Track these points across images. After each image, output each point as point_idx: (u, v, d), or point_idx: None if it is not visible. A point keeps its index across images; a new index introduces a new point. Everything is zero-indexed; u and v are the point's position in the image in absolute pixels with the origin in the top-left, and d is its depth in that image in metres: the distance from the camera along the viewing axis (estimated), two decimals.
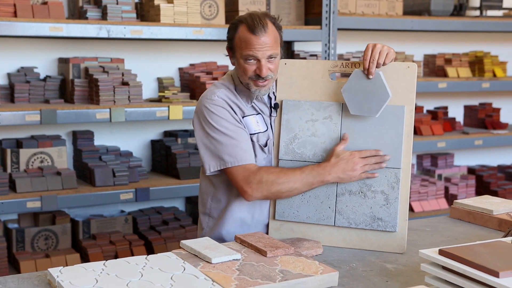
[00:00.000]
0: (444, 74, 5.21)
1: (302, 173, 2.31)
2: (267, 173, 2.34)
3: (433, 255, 1.75)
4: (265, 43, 2.35)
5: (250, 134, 2.47)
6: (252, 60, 2.37)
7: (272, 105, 2.51)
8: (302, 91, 2.40)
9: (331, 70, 2.38)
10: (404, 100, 2.29)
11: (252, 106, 2.51)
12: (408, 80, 2.29)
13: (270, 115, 2.52)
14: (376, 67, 2.26)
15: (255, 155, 2.46)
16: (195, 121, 2.50)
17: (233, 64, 2.49)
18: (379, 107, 2.27)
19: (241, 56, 2.39)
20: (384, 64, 2.27)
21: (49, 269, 1.90)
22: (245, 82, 2.44)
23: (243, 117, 2.48)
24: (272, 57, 2.38)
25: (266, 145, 2.49)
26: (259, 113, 2.52)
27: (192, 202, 4.58)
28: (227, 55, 2.52)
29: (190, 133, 4.41)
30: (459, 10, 5.24)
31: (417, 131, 5.00)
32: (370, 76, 2.26)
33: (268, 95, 2.52)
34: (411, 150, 2.29)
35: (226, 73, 2.60)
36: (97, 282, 1.80)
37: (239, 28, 2.39)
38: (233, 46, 2.43)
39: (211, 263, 1.97)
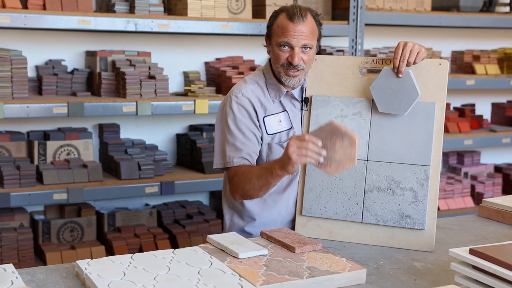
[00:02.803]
0: (472, 71, 5.15)
1: (260, 168, 2.30)
2: (238, 172, 2.38)
3: (464, 254, 1.73)
4: (302, 31, 2.35)
5: (269, 135, 2.48)
6: (286, 47, 2.38)
7: (303, 99, 2.50)
8: (332, 87, 2.39)
9: (361, 66, 2.36)
10: (435, 97, 2.27)
11: (279, 101, 2.50)
12: (439, 77, 2.27)
13: (301, 109, 2.51)
14: (406, 66, 2.25)
15: (276, 158, 2.46)
16: (218, 113, 2.55)
17: (268, 53, 2.50)
18: (408, 106, 2.26)
19: (276, 43, 2.40)
20: (414, 63, 2.25)
21: (77, 261, 1.91)
22: (277, 70, 2.45)
23: (264, 117, 2.48)
24: (306, 48, 2.37)
25: (286, 140, 2.48)
26: (285, 110, 2.51)
27: (216, 196, 4.58)
28: (265, 46, 2.53)
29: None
30: (489, 6, 5.17)
31: (443, 128, 4.95)
32: (400, 75, 2.25)
33: (301, 88, 2.52)
34: (441, 148, 2.27)
35: (258, 68, 2.61)
36: (124, 275, 1.81)
37: (279, 16, 2.41)
38: (270, 33, 2.45)
39: (238, 258, 1.97)
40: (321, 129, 2.06)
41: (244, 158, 2.42)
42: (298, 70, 2.39)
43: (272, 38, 2.43)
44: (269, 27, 2.46)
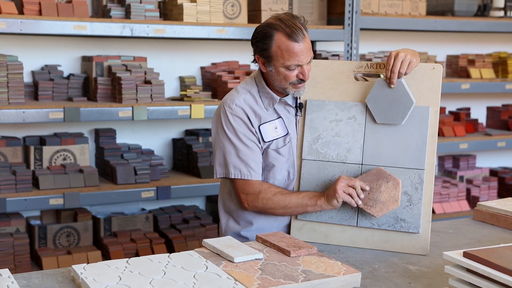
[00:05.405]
0: (467, 75, 5.17)
1: (299, 196, 2.36)
2: (265, 191, 2.40)
3: (458, 257, 1.74)
4: (306, 48, 2.33)
5: (266, 142, 2.47)
6: (294, 67, 2.35)
7: (297, 105, 2.50)
8: (326, 91, 2.40)
9: (356, 71, 2.38)
10: (429, 101, 2.28)
11: (274, 109, 2.49)
12: (433, 81, 2.28)
13: (296, 115, 2.51)
14: (398, 76, 2.26)
15: (272, 164, 2.48)
16: (213, 123, 2.54)
17: (265, 71, 2.43)
18: (404, 115, 2.28)
19: (283, 66, 2.34)
20: (405, 74, 2.26)
21: (73, 266, 1.91)
22: (281, 87, 2.41)
23: (260, 125, 2.47)
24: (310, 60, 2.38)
25: (283, 146, 2.48)
26: (280, 117, 2.50)
27: (212, 201, 4.59)
28: (253, 62, 2.47)
29: (211, 132, 4.41)
30: (483, 11, 5.19)
31: (439, 132, 4.96)
32: (392, 86, 2.27)
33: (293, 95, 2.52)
34: (435, 152, 2.28)
35: (249, 76, 2.58)
36: (120, 279, 1.81)
37: (276, 37, 2.33)
38: (270, 56, 2.36)
39: (233, 262, 1.97)
40: (368, 173, 2.28)
41: (255, 171, 2.43)
42: (304, 81, 2.39)
43: (275, 60, 2.35)
44: (266, 49, 2.35)
